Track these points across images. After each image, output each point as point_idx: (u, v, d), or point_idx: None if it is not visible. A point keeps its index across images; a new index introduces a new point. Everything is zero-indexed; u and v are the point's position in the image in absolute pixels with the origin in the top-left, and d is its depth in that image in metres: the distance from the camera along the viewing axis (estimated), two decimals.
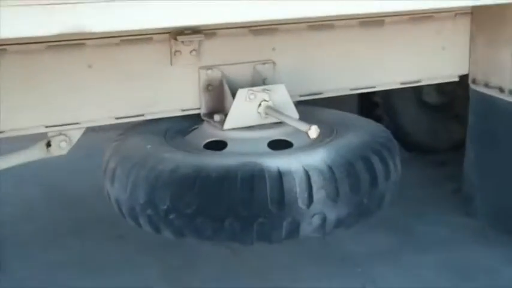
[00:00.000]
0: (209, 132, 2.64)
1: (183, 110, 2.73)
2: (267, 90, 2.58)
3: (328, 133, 2.66)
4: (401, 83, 3.13)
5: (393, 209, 3.78)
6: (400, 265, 3.27)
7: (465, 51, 3.20)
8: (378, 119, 4.53)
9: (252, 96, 2.56)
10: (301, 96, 2.91)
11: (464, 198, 3.41)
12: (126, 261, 3.28)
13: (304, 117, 2.75)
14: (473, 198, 3.33)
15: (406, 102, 4.33)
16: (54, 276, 3.17)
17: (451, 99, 4.51)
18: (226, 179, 2.26)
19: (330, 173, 2.32)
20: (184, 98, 2.71)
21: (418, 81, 3.16)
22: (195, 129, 2.74)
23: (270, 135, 2.58)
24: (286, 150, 2.49)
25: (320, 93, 2.96)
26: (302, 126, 2.38)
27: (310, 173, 2.29)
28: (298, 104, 2.86)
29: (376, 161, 2.45)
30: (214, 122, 2.64)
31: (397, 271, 3.23)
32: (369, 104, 4.42)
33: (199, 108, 2.73)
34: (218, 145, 2.59)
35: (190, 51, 2.63)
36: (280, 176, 2.27)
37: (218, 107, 2.71)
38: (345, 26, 2.89)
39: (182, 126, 2.78)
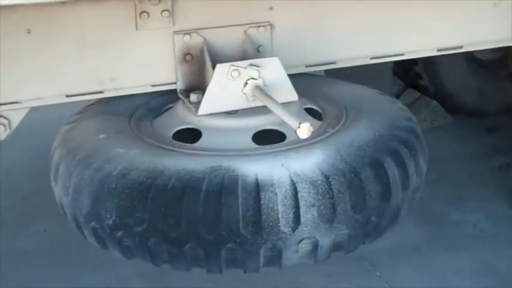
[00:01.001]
0: (182, 116, 2.10)
1: (154, 86, 2.17)
2: (255, 65, 2.00)
3: (334, 120, 2.09)
4: (438, 50, 2.49)
5: (425, 191, 3.25)
6: (427, 267, 2.73)
7: None
8: (415, 77, 3.94)
9: (235, 74, 1.99)
10: (307, 66, 2.33)
11: (510, 188, 2.80)
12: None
13: (308, 95, 2.21)
14: None
15: (450, 57, 3.63)
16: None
17: (506, 55, 3.83)
18: (186, 190, 1.73)
19: (326, 185, 1.76)
20: (155, 71, 2.16)
21: (459, 47, 2.52)
22: (168, 109, 2.20)
23: (256, 124, 2.02)
24: (273, 149, 1.92)
25: (332, 63, 2.36)
26: (291, 120, 1.80)
27: (298, 186, 1.74)
28: (304, 75, 2.31)
29: (390, 166, 1.88)
30: (190, 103, 2.09)
31: (424, 275, 2.69)
32: (405, 60, 3.76)
33: (175, 83, 2.18)
34: (193, 134, 2.04)
35: (161, 12, 2.06)
36: (257, 188, 1.73)
37: (199, 83, 2.15)
38: None
39: (158, 103, 2.24)
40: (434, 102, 3.89)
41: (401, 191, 1.90)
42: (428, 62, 3.73)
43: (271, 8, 2.21)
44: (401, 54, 2.46)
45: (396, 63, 4.01)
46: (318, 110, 2.19)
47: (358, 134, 1.96)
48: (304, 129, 1.75)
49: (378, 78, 3.22)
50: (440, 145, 3.73)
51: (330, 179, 1.76)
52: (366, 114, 2.09)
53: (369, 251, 2.79)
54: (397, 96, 4.06)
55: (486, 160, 3.51)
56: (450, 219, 3.05)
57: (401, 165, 1.91)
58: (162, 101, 2.24)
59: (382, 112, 2.13)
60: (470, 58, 3.78)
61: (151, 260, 1.82)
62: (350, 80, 3.26)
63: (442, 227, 2.99)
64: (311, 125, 2.00)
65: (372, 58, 2.41)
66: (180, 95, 2.15)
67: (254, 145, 1.96)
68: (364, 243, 1.92)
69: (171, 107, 2.19)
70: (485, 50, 3.70)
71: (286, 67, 2.21)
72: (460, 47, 2.52)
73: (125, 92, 2.15)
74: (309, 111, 2.16)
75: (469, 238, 2.91)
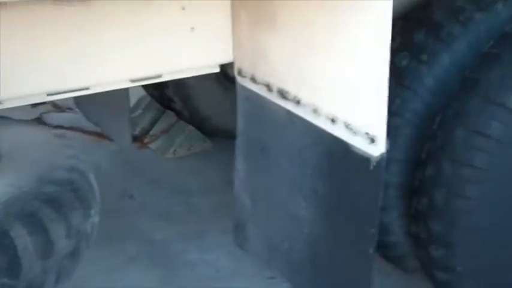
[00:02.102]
0: None
1: None
2: None
3: None
4: (132, 81, 2.22)
5: (163, 229, 2.99)
6: None
7: (227, 33, 2.31)
8: (169, 102, 3.68)
9: None
10: None
11: (234, 225, 2.57)
12: None
13: None
14: (245, 226, 2.51)
15: (199, 78, 3.39)
16: None
17: None
18: None
19: None
20: None
21: (157, 77, 2.26)
22: None
23: None
24: None
25: None
26: None
27: None
28: None
29: (21, 234, 1.55)
30: None
31: None
32: (157, 84, 3.49)
33: None
34: None
35: None
36: None
37: None
38: (25, 2, 1.92)
39: None
40: (190, 127, 3.64)
41: (40, 261, 1.59)
42: (178, 85, 3.46)
43: None
44: (86, 88, 2.15)
45: (152, 86, 3.72)
46: None
47: None
48: None
49: (115, 105, 2.95)
50: (195, 173, 3.49)
51: None
52: (16, 166, 1.77)
53: None
54: (155, 121, 3.79)
55: None
56: (187, 259, 2.78)
57: (40, 230, 1.59)
58: None
59: (38, 161, 1.82)
60: (223, 77, 3.54)
61: None
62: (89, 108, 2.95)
63: (176, 268, 2.71)
64: None
65: (48, 95, 2.08)
66: None
67: None
68: None
69: None
70: None
71: None
72: (159, 76, 2.27)
73: None
74: None
75: (203, 279, 2.65)
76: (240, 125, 2.44)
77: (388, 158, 2.25)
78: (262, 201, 2.43)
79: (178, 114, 3.68)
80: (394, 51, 2.27)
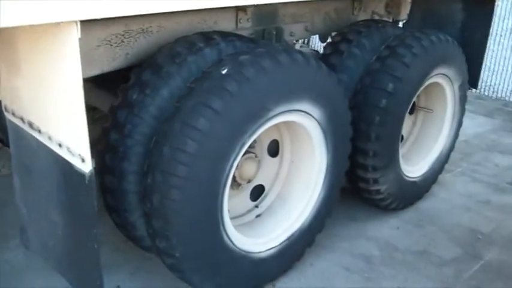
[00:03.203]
0: None
1: None
2: None
3: None
4: None
5: None
6: None
7: None
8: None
9: None
10: None
11: (20, 229, 3.00)
12: None
13: None
14: (27, 230, 2.94)
15: None
16: None
17: None
18: None
19: None
20: None
21: None
22: None
23: None
24: None
25: None
26: None
27: None
28: None
29: None
30: None
31: None
32: None
33: None
34: None
35: None
36: None
37: None
38: None
39: None
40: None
41: None
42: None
43: None
44: None
45: None
46: None
47: None
48: None
49: None
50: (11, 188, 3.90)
51: None
52: None
53: None
54: None
55: None
56: None
57: None
58: None
59: None
60: None
61: None
62: None
63: None
64: None
65: None
66: None
67: None
68: None
69: None
70: None
71: None
72: None
73: None
74: None
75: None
76: (12, 149, 2.83)
77: (126, 170, 2.78)
78: (33, 210, 2.81)
79: (2, 141, 4.10)
80: (129, 88, 2.82)
